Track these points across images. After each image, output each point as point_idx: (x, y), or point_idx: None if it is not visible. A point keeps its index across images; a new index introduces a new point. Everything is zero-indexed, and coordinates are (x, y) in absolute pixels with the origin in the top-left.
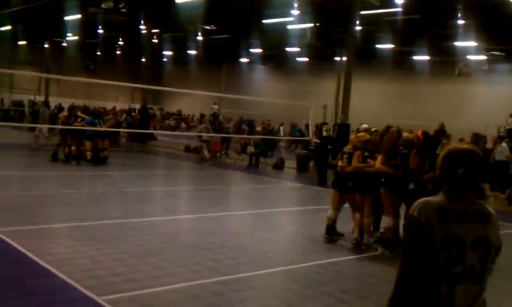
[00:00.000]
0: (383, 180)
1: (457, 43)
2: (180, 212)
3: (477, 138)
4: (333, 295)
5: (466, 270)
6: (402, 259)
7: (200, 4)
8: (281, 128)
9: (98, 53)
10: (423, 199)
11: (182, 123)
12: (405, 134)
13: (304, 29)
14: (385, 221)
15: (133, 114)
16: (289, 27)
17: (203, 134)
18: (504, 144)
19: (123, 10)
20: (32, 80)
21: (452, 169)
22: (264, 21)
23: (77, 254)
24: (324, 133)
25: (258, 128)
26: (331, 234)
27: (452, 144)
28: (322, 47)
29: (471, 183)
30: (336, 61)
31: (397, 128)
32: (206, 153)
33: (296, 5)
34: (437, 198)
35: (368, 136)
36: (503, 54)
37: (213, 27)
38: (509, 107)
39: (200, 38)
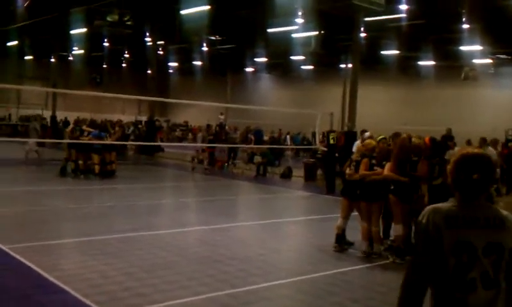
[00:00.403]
0: (392, 187)
1: (463, 48)
2: (189, 224)
3: (484, 142)
4: (343, 305)
5: (479, 277)
6: (409, 267)
7: (204, 15)
8: (288, 137)
9: (104, 66)
10: (432, 205)
11: (189, 134)
12: (413, 140)
13: (309, 37)
14: (395, 229)
15: (140, 126)
16: (294, 35)
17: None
18: (490, 147)
19: (129, 23)
20: (39, 95)
21: (466, 175)
22: (269, 30)
23: (87, 269)
24: (331, 141)
25: (266, 138)
26: (341, 243)
27: (463, 149)
28: (327, 55)
29: (485, 188)
30: (342, 68)
31: (408, 135)
32: (194, 163)
33: (300, 13)
34: (447, 204)
35: (374, 143)
36: (509, 57)
37: (218, 38)
38: None
39: (205, 48)
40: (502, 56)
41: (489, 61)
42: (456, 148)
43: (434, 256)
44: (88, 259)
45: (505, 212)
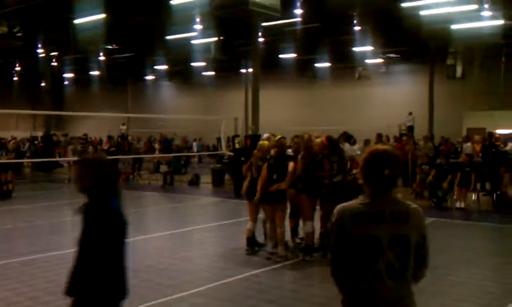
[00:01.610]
0: (300, 186)
1: (356, 49)
2: None
3: (381, 138)
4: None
5: (385, 268)
6: (330, 263)
7: (99, 24)
8: (194, 144)
9: None
10: (340, 205)
11: (90, 147)
12: (315, 140)
13: (208, 43)
14: (305, 226)
15: (36, 142)
16: (193, 42)
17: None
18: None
19: (19, 34)
20: None
21: (377, 170)
22: (167, 37)
23: None
24: (237, 146)
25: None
26: (252, 245)
27: (371, 146)
28: (227, 60)
29: (394, 182)
30: (243, 72)
31: (309, 135)
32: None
33: (198, 20)
34: (355, 202)
35: (267, 143)
36: (398, 56)
37: (115, 46)
38: (407, 106)
39: (102, 58)
40: (391, 55)
41: (380, 60)
42: (356, 146)
43: (344, 250)
44: None
45: (413, 206)
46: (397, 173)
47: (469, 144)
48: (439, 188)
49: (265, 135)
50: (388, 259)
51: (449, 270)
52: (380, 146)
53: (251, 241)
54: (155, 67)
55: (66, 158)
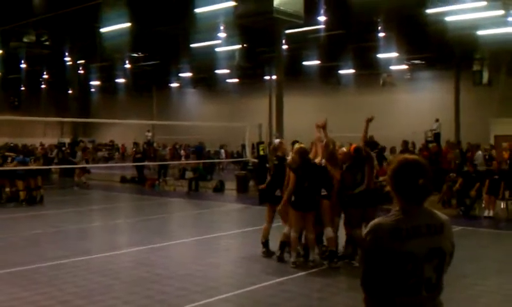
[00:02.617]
0: (325, 193)
1: (380, 55)
2: (123, 245)
3: (406, 145)
4: None
5: (423, 282)
6: (362, 277)
7: (125, 32)
8: (222, 151)
9: (22, 88)
10: (375, 221)
11: (116, 154)
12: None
13: (233, 51)
14: (325, 232)
15: (64, 148)
16: (217, 49)
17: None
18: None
19: (46, 43)
20: None
21: (411, 180)
22: (192, 45)
23: (19, 301)
24: (261, 152)
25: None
26: (284, 250)
27: (398, 156)
28: (251, 67)
29: (429, 192)
30: (267, 79)
31: (333, 143)
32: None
33: (222, 28)
34: (389, 218)
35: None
36: (423, 62)
37: (140, 54)
38: (432, 113)
39: (128, 65)
40: (416, 62)
41: (405, 67)
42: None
43: (379, 268)
44: (18, 290)
45: (444, 217)
46: (431, 182)
47: (480, 152)
48: (467, 197)
49: (277, 141)
50: (426, 273)
51: (478, 279)
52: (410, 156)
53: (284, 246)
54: (180, 74)
55: (93, 165)
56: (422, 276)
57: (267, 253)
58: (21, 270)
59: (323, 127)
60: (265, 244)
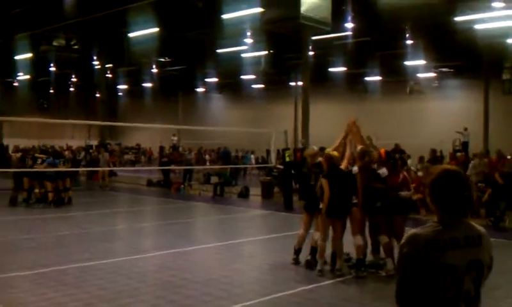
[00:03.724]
0: (356, 201)
1: (407, 62)
2: (149, 249)
3: (435, 154)
4: None
5: (462, 295)
6: (396, 290)
7: (153, 37)
8: (253, 156)
9: (51, 91)
10: (412, 232)
11: (142, 157)
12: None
13: (259, 57)
14: (354, 240)
15: (91, 151)
16: (243, 55)
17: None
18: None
19: (75, 47)
20: None
21: (453, 192)
22: (218, 50)
23: (48, 302)
24: (287, 159)
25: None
26: (315, 256)
27: (437, 167)
28: (277, 73)
29: (472, 204)
30: (292, 86)
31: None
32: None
33: (248, 34)
34: (426, 229)
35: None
36: (451, 70)
37: (167, 59)
38: (460, 121)
39: (154, 70)
40: (444, 69)
41: (432, 74)
42: (409, 161)
43: (418, 280)
44: (47, 291)
45: (482, 229)
46: (473, 194)
47: (477, 160)
48: (496, 207)
49: (314, 148)
50: (465, 285)
51: (509, 292)
52: (450, 167)
53: (315, 251)
54: (206, 80)
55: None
56: (461, 289)
57: (296, 261)
58: (48, 271)
59: (353, 126)
60: (298, 251)
